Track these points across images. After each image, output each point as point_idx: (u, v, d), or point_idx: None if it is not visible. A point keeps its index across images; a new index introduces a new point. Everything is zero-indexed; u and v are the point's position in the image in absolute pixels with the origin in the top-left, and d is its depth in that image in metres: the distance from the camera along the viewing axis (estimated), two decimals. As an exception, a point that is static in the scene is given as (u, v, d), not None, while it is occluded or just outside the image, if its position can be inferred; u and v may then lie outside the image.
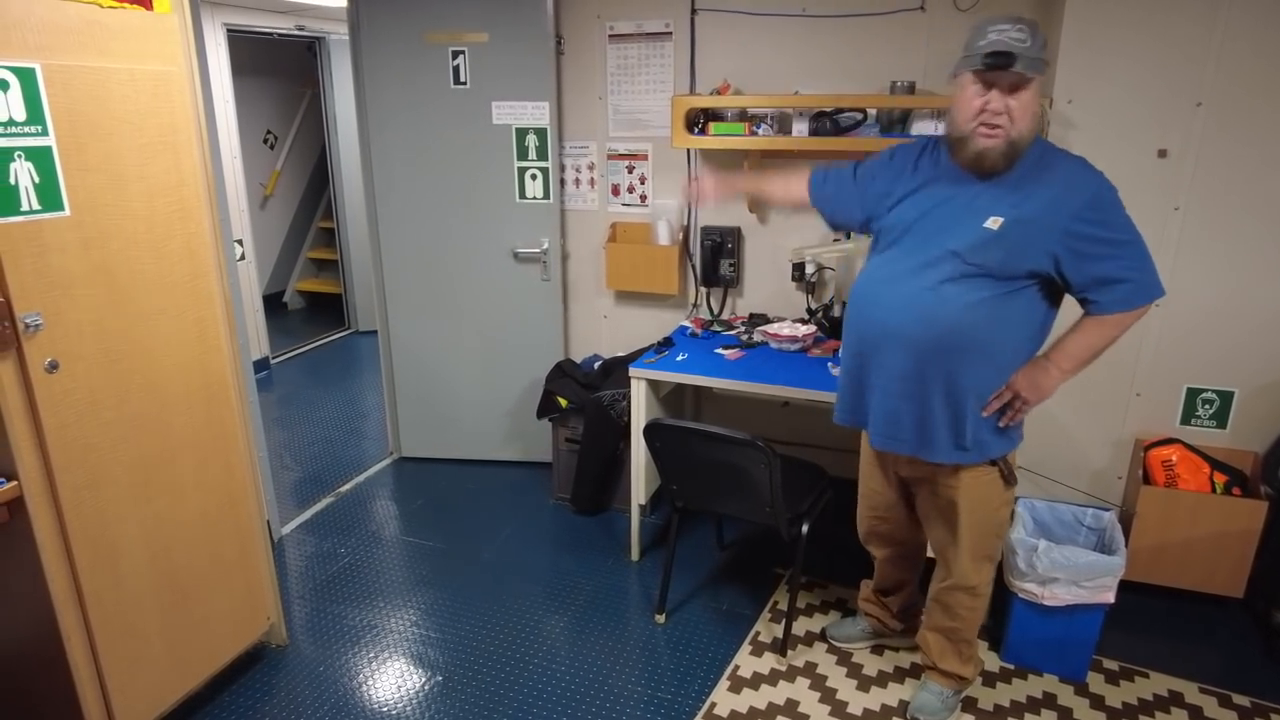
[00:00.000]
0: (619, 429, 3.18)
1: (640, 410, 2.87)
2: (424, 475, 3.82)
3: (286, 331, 6.09)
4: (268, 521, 3.23)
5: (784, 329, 2.99)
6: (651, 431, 2.44)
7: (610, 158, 3.50)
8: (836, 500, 2.65)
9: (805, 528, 2.46)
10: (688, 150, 3.35)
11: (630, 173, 3.49)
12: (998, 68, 1.69)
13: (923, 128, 2.87)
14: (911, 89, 2.92)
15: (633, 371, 2.85)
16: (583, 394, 3.31)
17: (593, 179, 3.56)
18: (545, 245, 3.52)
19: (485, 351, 3.71)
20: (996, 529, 2.12)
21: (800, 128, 2.98)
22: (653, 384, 2.90)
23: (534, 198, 3.48)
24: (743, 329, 3.19)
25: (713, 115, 3.10)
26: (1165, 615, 2.74)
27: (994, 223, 1.79)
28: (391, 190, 3.55)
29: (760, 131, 3.04)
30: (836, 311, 3.14)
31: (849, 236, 3.15)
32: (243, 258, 4.94)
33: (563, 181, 3.58)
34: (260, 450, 3.18)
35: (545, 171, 3.43)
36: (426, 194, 3.52)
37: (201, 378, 2.18)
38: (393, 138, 3.47)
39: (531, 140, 3.40)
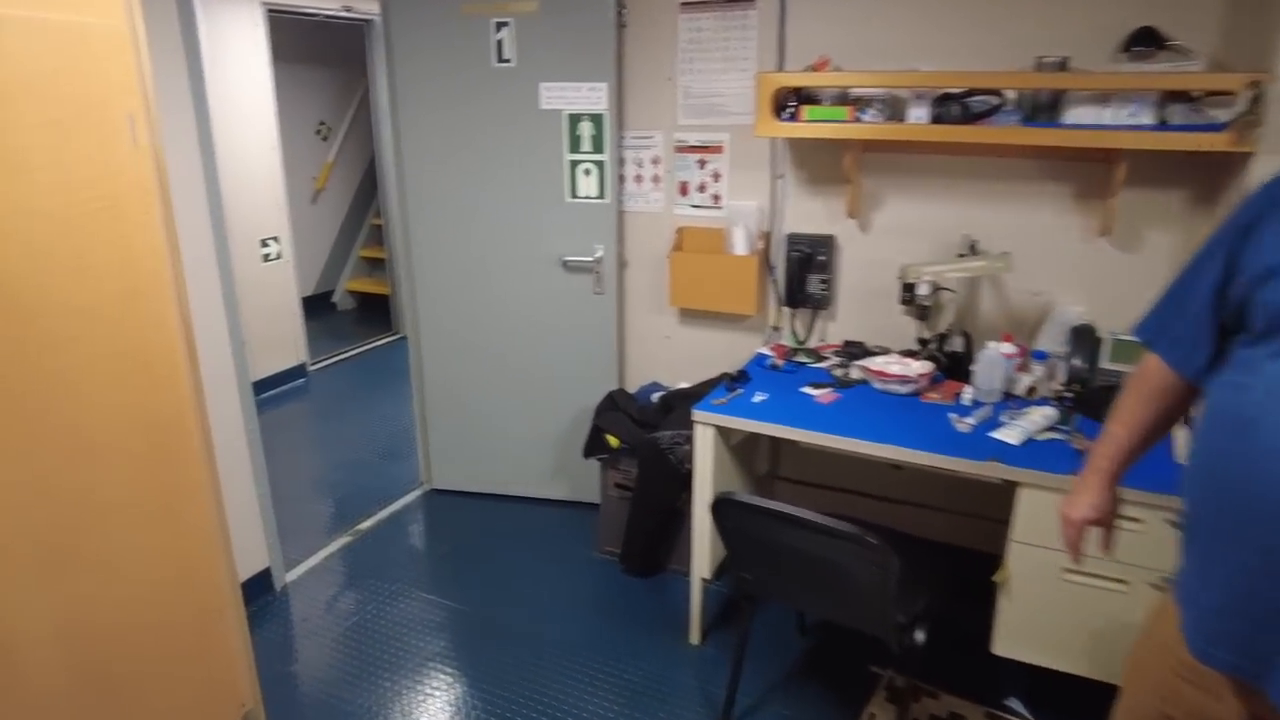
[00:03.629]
0: (680, 478, 2.62)
1: (707, 461, 2.31)
2: (456, 512, 3.35)
3: (332, 334, 5.76)
4: (268, 569, 2.81)
5: (892, 365, 2.39)
6: (722, 509, 1.87)
7: (679, 150, 2.95)
8: (952, 575, 2.04)
9: (921, 635, 1.86)
10: (771, 141, 2.77)
11: (702, 168, 2.93)
12: None
13: (1080, 115, 2.24)
14: (1063, 66, 2.29)
15: (697, 415, 2.30)
16: (637, 433, 2.76)
17: (657, 175, 3.01)
18: (599, 253, 3.00)
19: (528, 375, 3.21)
20: None
21: (918, 113, 2.38)
22: (721, 429, 2.34)
23: (587, 197, 2.97)
24: (837, 362, 2.59)
25: (806, 98, 2.52)
26: None
27: None
28: (423, 186, 3.11)
29: (866, 118, 2.45)
30: (956, 345, 2.52)
31: (973, 249, 2.54)
32: (278, 256, 4.57)
33: (621, 178, 3.05)
34: (262, 487, 2.76)
35: (601, 166, 2.92)
36: (463, 191, 3.06)
37: (143, 420, 1.71)
38: (425, 126, 3.01)
39: (586, 129, 2.89)
